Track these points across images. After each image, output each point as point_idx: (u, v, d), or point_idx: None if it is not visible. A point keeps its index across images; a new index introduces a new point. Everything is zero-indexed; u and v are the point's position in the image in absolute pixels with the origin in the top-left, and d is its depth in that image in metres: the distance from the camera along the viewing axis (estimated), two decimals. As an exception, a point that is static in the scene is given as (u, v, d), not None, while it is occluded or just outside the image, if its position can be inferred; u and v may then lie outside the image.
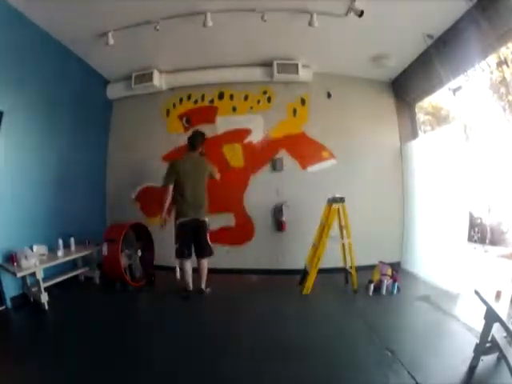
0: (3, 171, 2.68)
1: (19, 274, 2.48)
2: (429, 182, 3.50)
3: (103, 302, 3.00)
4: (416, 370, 1.72)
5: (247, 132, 4.00)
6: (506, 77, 3.60)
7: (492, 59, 2.94)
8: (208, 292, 3.07)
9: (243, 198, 3.95)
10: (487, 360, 1.75)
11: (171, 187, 2.96)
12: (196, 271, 3.07)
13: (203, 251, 3.03)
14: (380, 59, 3.57)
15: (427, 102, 5.01)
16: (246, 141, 4.00)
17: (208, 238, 3.05)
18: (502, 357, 1.59)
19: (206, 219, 3.04)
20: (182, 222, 2.95)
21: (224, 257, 3.92)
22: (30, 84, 2.94)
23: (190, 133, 3.27)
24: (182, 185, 2.94)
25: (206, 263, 3.07)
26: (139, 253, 3.41)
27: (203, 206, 3.01)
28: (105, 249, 3.11)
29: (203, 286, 3.07)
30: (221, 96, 4.06)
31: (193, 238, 3.00)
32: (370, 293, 3.01)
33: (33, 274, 2.62)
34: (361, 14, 2.60)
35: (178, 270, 3.67)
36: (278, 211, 3.86)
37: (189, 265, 3.02)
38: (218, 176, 3.31)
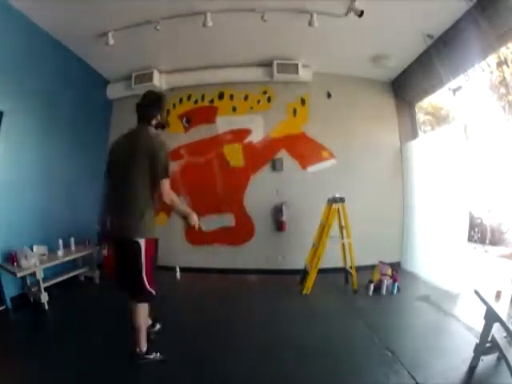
0: (3, 171, 2.68)
1: (19, 274, 2.48)
2: (429, 181, 3.50)
3: (103, 301, 2.99)
4: (416, 370, 1.72)
5: (247, 132, 4.00)
6: (506, 77, 3.60)
7: (492, 59, 2.94)
8: (149, 358, 1.81)
9: (243, 198, 3.95)
10: (487, 360, 1.75)
11: (108, 183, 1.96)
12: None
13: (131, 290, 1.81)
14: (380, 59, 3.57)
15: (427, 102, 5.01)
16: (246, 141, 4.00)
17: (143, 272, 1.73)
18: (502, 357, 1.60)
19: (139, 240, 1.71)
20: (108, 234, 1.90)
21: (223, 256, 3.93)
22: (29, 84, 2.94)
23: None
24: (112, 178, 1.93)
25: (135, 310, 1.78)
26: (139, 253, 3.40)
27: (135, 215, 1.74)
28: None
29: (136, 346, 1.81)
30: (221, 96, 4.06)
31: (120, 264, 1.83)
32: (370, 293, 3.01)
33: (33, 274, 2.62)
34: (361, 14, 2.60)
35: (177, 270, 3.67)
36: (277, 211, 3.86)
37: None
38: (165, 187, 1.78)
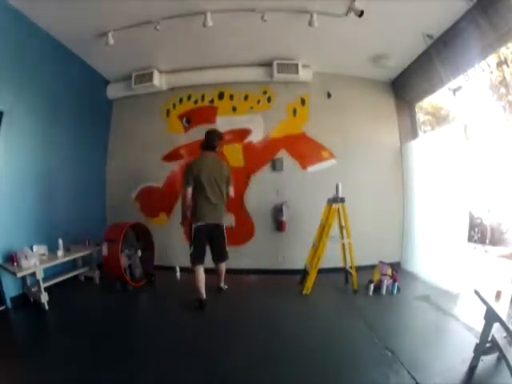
0: (3, 171, 2.68)
1: (19, 274, 2.48)
2: (429, 182, 3.50)
3: (103, 301, 2.99)
4: (416, 369, 1.72)
5: (247, 132, 4.00)
6: (506, 77, 3.60)
7: (492, 59, 2.94)
8: (225, 288, 3.18)
9: (243, 198, 3.95)
10: (487, 360, 1.75)
11: (190, 189, 2.77)
12: (214, 273, 3.05)
13: (219, 257, 2.95)
14: (380, 59, 3.57)
15: (427, 102, 5.00)
16: (246, 141, 4.00)
17: (225, 242, 2.95)
18: (502, 357, 1.60)
19: (224, 223, 2.93)
20: (197, 226, 2.78)
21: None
22: (29, 84, 2.94)
23: (205, 132, 3.00)
24: (199, 186, 2.76)
25: (223, 267, 3.05)
26: (139, 253, 3.41)
27: (221, 209, 2.87)
28: (105, 249, 3.11)
29: (222, 284, 3.16)
30: (221, 96, 4.06)
31: (208, 243, 2.88)
32: (370, 293, 3.01)
33: (33, 274, 2.62)
34: (361, 14, 2.60)
35: (177, 270, 3.67)
36: (277, 211, 3.86)
37: (201, 271, 2.79)
38: (231, 191, 2.95)
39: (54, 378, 1.70)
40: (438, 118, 5.54)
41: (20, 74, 2.81)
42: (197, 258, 2.78)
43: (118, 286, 3.18)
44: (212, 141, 2.88)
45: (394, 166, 4.04)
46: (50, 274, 2.92)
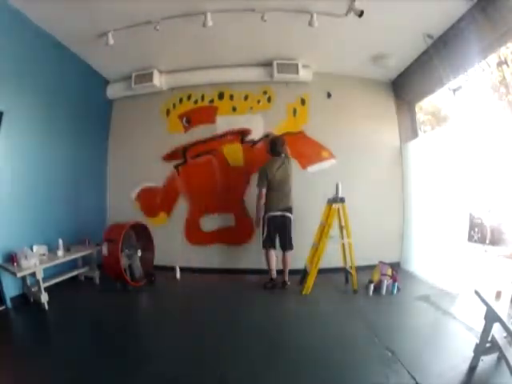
0: (3, 171, 2.68)
1: (19, 274, 2.48)
2: (429, 181, 3.50)
3: (103, 302, 2.99)
4: (416, 369, 1.72)
5: (247, 132, 3.99)
6: (506, 77, 3.60)
7: (492, 59, 2.94)
8: (289, 284, 3.27)
9: (243, 198, 3.95)
10: (487, 360, 1.75)
11: (264, 190, 3.22)
12: (281, 264, 3.31)
13: (286, 245, 3.26)
14: (380, 59, 3.57)
15: (427, 102, 5.00)
16: (246, 141, 4.00)
17: (292, 233, 3.27)
18: (502, 357, 1.60)
19: (291, 216, 3.25)
20: (270, 216, 3.22)
21: (224, 257, 3.93)
22: (29, 84, 2.94)
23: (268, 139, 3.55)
24: (271, 186, 3.21)
25: (288, 257, 3.28)
26: (139, 253, 3.41)
27: (289, 203, 3.26)
28: (105, 249, 3.11)
29: (286, 278, 3.28)
30: (221, 96, 4.05)
31: (278, 232, 3.26)
32: (370, 293, 3.01)
33: (33, 274, 2.62)
34: (361, 14, 2.60)
35: (177, 269, 3.68)
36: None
37: (273, 254, 3.28)
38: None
39: (54, 377, 1.70)
40: (438, 118, 5.55)
41: (20, 75, 2.81)
42: (267, 242, 3.27)
43: (118, 285, 3.18)
44: (275, 148, 3.31)
45: (393, 165, 4.04)
46: (49, 273, 2.92)
